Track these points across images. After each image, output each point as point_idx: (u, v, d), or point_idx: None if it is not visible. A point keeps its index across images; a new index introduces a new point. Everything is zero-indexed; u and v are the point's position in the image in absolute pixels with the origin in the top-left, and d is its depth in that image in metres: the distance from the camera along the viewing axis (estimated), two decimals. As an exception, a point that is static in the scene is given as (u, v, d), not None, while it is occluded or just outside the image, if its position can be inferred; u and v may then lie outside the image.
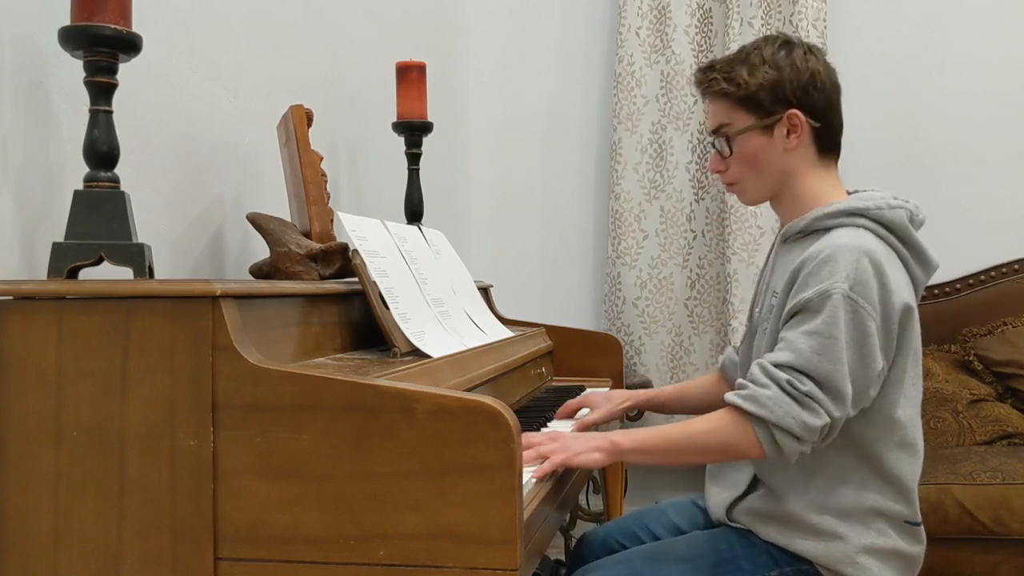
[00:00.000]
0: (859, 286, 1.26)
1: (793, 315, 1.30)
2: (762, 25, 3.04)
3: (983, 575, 2.29)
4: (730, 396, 1.29)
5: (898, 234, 1.35)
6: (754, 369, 1.29)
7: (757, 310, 1.47)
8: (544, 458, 1.25)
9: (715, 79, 1.41)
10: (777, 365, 1.27)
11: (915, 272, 1.37)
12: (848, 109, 1.45)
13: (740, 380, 1.31)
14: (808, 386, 1.24)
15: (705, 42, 3.15)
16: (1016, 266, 3.00)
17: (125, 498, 1.00)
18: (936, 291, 3.02)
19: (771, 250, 1.51)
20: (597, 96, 3.32)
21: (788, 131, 1.39)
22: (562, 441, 1.29)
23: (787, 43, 1.41)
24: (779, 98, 1.38)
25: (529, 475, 1.20)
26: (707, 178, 3.16)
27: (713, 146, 1.46)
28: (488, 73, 3.37)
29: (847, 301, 1.25)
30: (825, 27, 3.02)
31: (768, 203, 1.49)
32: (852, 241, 1.30)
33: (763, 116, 1.39)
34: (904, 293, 1.32)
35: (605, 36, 3.30)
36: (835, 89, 1.42)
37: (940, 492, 2.27)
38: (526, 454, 1.25)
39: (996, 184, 3.03)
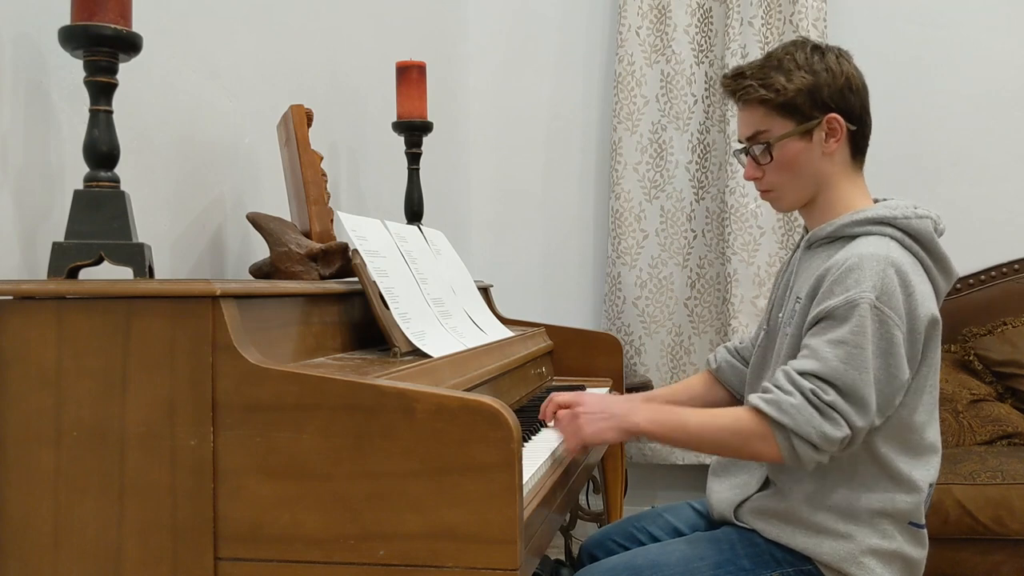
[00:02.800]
0: (885, 296, 1.27)
1: (817, 322, 1.30)
2: (762, 25, 3.04)
3: (983, 575, 2.29)
4: (754, 399, 1.29)
5: (923, 244, 1.36)
6: (779, 375, 1.29)
7: (780, 314, 1.45)
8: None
9: (751, 86, 1.39)
10: (802, 373, 1.27)
11: (938, 281, 1.38)
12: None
13: (765, 384, 1.31)
14: (832, 396, 1.24)
15: (705, 42, 3.15)
16: (1016, 266, 3.00)
17: (125, 498, 1.00)
18: (936, 291, 3.02)
19: (794, 253, 1.51)
20: (597, 96, 3.32)
21: (827, 135, 1.39)
22: (581, 420, 1.37)
23: (817, 48, 1.41)
24: (817, 103, 1.38)
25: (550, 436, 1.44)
26: (707, 178, 3.16)
27: (746, 153, 1.44)
28: (488, 73, 3.37)
29: (874, 310, 1.26)
30: (825, 27, 3.02)
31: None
32: (878, 250, 1.30)
33: (802, 121, 1.38)
34: (930, 304, 1.32)
35: (605, 36, 3.30)
36: (866, 91, 1.42)
37: (940, 492, 2.27)
38: (548, 408, 1.49)
39: (996, 184, 3.04)
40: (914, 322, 1.29)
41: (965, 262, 3.00)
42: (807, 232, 1.47)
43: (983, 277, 3.01)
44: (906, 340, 1.29)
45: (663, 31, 3.16)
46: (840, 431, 1.24)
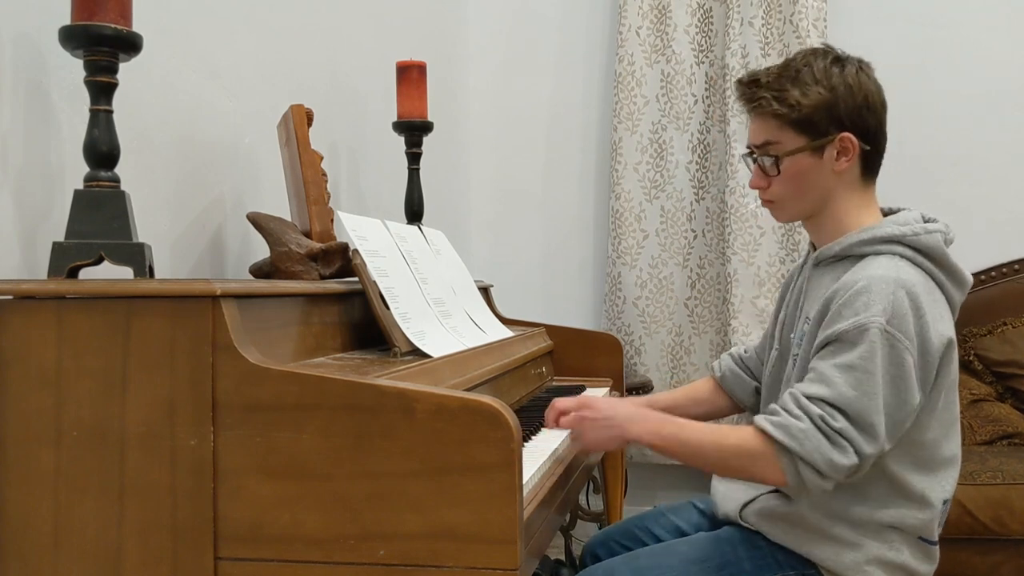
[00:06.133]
0: (896, 319, 1.23)
1: (825, 345, 1.26)
2: (762, 25, 3.04)
3: (983, 575, 2.29)
4: (762, 421, 1.25)
5: (935, 259, 1.32)
6: (786, 398, 1.26)
7: (792, 335, 1.42)
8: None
9: (765, 98, 1.35)
10: (810, 398, 1.23)
11: (952, 295, 1.35)
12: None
13: (772, 406, 1.28)
14: (841, 423, 1.21)
15: (705, 42, 3.15)
16: (1016, 266, 3.00)
17: (125, 498, 1.00)
18: (936, 291, 3.02)
19: (800, 271, 1.48)
20: (597, 96, 3.32)
21: (839, 153, 1.35)
22: (584, 425, 1.38)
23: (838, 59, 1.36)
24: (833, 120, 1.33)
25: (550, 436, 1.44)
26: (707, 178, 3.16)
27: (754, 161, 1.40)
28: (488, 73, 3.37)
29: (884, 335, 1.22)
30: (825, 27, 3.02)
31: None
32: (888, 272, 1.26)
33: (815, 138, 1.34)
34: (943, 325, 1.28)
35: (605, 36, 3.30)
36: (884, 109, 1.38)
37: (940, 492, 2.27)
38: (550, 414, 1.46)
39: (996, 184, 3.03)
40: (926, 344, 1.25)
41: (965, 262, 2.93)
42: (814, 248, 1.43)
43: (983, 277, 3.01)
44: (918, 364, 1.25)
45: (663, 31, 3.16)
46: (848, 459, 1.20)
